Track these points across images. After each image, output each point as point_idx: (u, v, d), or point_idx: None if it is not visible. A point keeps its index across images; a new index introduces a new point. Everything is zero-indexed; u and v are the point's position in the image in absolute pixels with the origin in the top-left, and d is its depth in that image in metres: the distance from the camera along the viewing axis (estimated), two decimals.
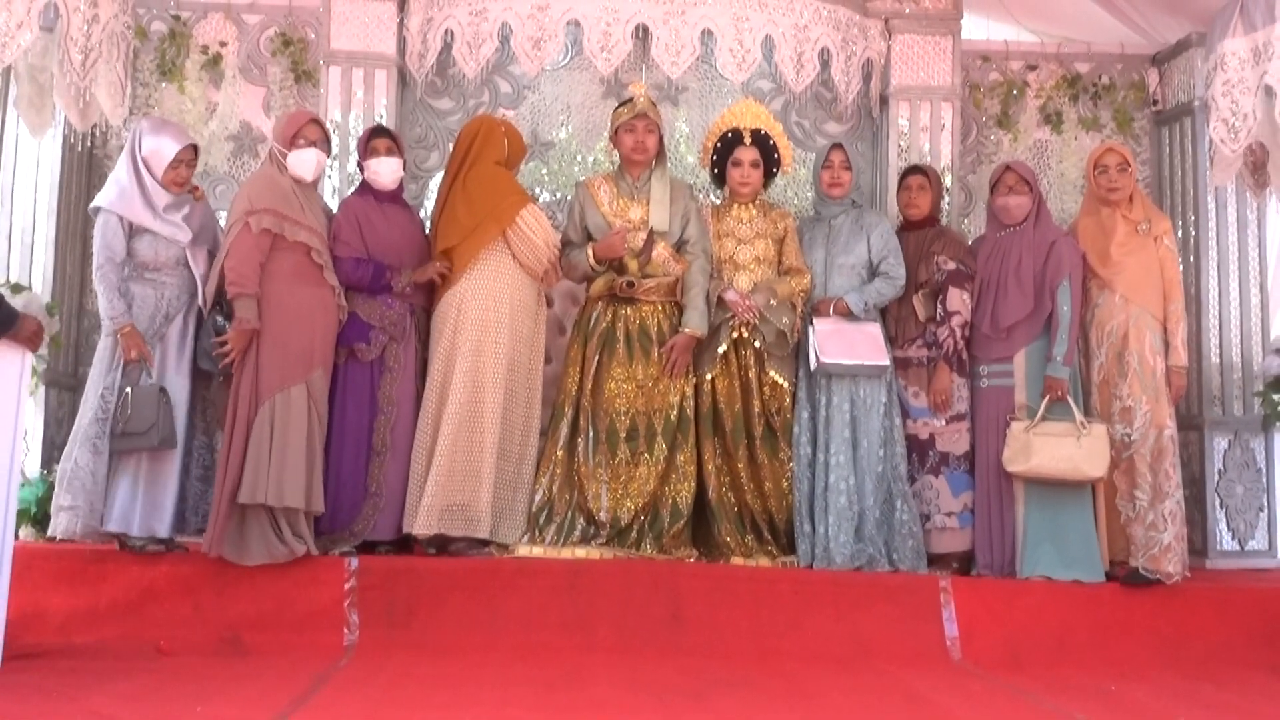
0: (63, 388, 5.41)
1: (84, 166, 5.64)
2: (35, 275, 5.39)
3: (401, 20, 5.58)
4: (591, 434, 4.81)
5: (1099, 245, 4.81)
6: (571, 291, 5.47)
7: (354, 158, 5.14)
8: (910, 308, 4.93)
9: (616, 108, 5.04)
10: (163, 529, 4.35)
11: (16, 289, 5.04)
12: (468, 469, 4.58)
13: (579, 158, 5.93)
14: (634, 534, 4.73)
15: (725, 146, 5.02)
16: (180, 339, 4.45)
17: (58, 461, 4.60)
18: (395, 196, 4.84)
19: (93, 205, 4.51)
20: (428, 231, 4.95)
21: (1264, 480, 5.75)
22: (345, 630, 4.22)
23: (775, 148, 5.04)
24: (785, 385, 4.88)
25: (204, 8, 5.80)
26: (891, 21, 5.76)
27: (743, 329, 4.86)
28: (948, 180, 5.66)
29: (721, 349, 4.87)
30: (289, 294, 4.43)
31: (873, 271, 4.93)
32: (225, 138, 5.77)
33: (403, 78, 5.69)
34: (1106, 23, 6.13)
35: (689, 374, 4.85)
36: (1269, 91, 5.06)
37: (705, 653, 4.17)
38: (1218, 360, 5.78)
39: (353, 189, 5.02)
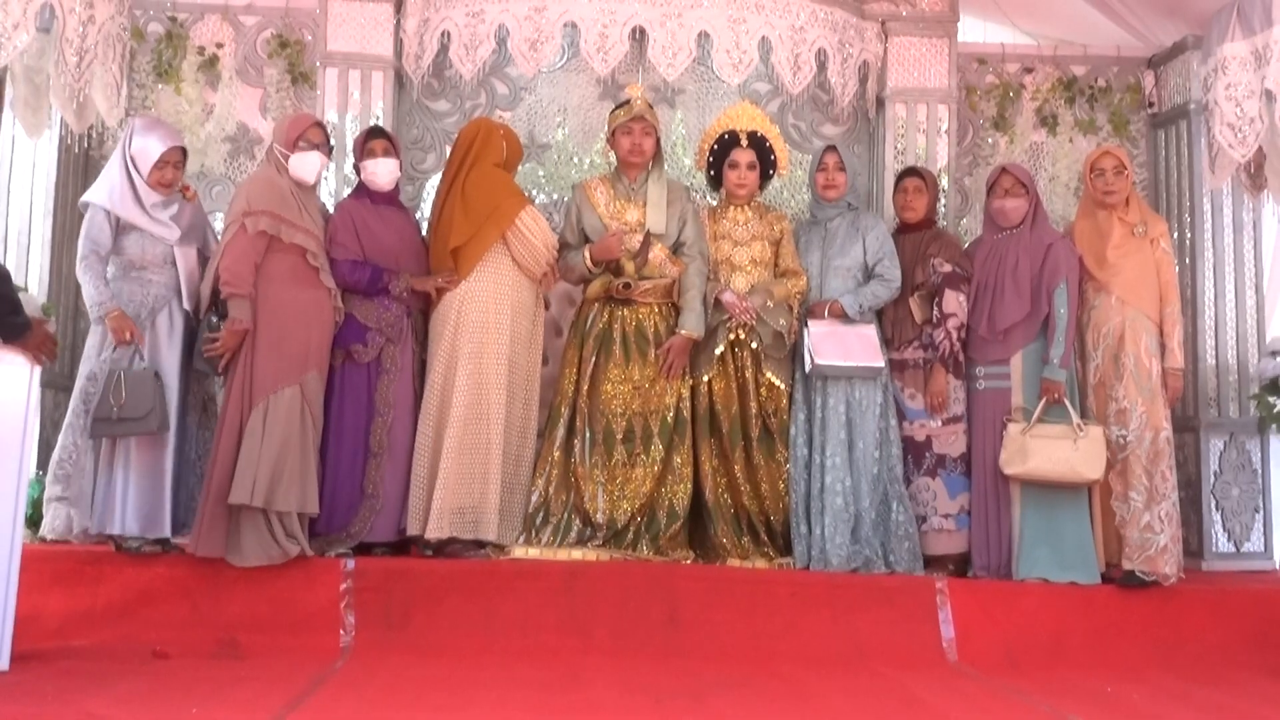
0: (59, 389, 5.39)
1: (80, 168, 5.63)
2: (31, 276, 5.40)
3: (398, 22, 5.58)
4: (588, 435, 4.81)
5: (1095, 248, 4.82)
6: (568, 293, 5.47)
7: (351, 159, 5.13)
8: (907, 310, 4.94)
9: (613, 110, 5.04)
10: (158, 529, 4.34)
11: None
12: (475, 471, 4.58)
13: (575, 159, 5.93)
14: (630, 535, 4.74)
15: (722, 148, 5.02)
16: (169, 331, 4.45)
17: None
18: (391, 198, 4.84)
19: (82, 200, 4.50)
20: (424, 234, 4.95)
21: (1259, 482, 5.75)
22: (342, 632, 4.21)
23: (772, 150, 5.04)
24: (782, 387, 4.88)
25: (201, 9, 5.80)
26: (888, 24, 5.76)
27: (739, 331, 4.86)
28: (944, 182, 5.67)
29: (718, 351, 4.87)
30: (285, 296, 4.43)
31: (868, 274, 4.93)
32: (222, 139, 5.77)
33: (399, 79, 5.69)
34: (1102, 25, 6.14)
35: (685, 375, 4.86)
36: (1269, 96, 5.07)
37: (702, 654, 4.17)
38: (1213, 362, 5.79)
39: (350, 190, 5.02)
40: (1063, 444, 4.58)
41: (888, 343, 4.93)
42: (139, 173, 4.44)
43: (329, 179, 5.41)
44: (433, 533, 4.53)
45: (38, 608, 4.07)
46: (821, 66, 5.52)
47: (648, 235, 4.85)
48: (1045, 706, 3.62)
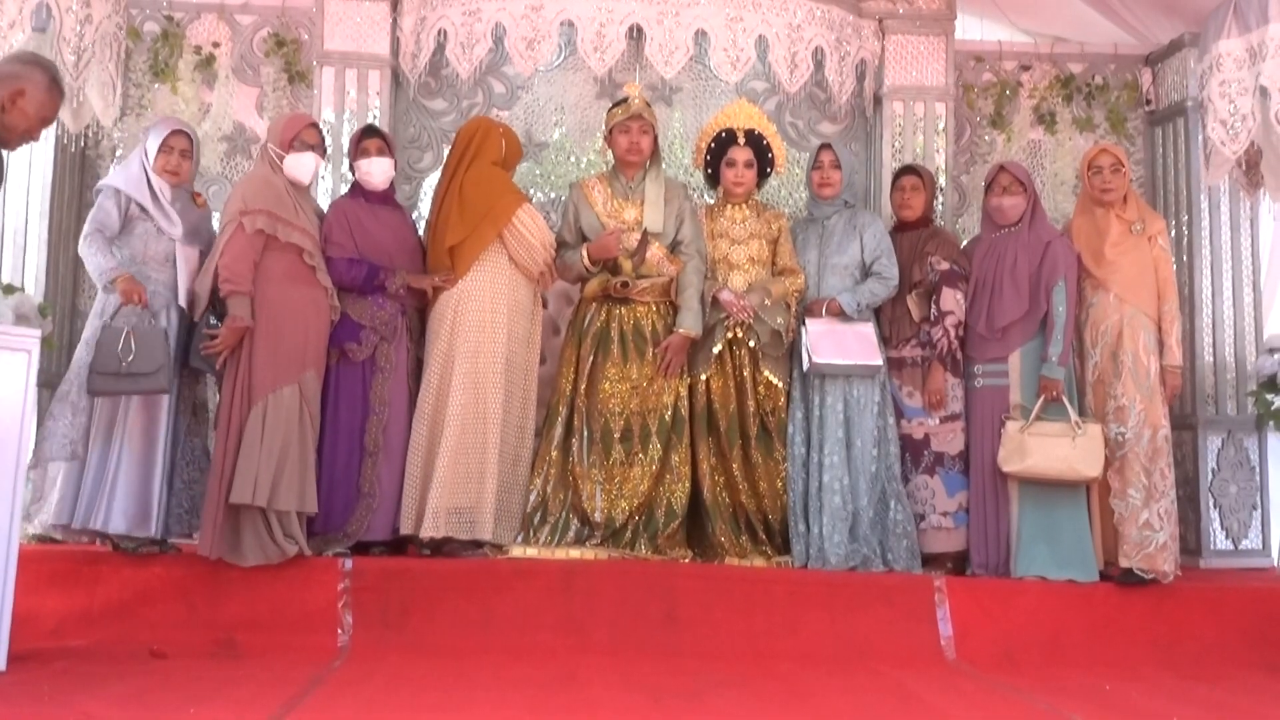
0: (55, 388, 5.37)
1: (76, 167, 5.62)
2: (28, 276, 5.38)
3: (395, 20, 5.58)
4: (586, 434, 4.81)
5: (1093, 245, 4.82)
6: (566, 292, 5.47)
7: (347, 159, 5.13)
8: (904, 308, 4.94)
9: (611, 108, 5.04)
10: (146, 529, 4.32)
11: (9, 290, 5.01)
12: (471, 472, 4.57)
13: (573, 158, 5.93)
14: (629, 534, 4.73)
15: (719, 147, 5.02)
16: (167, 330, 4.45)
17: None
18: (386, 197, 4.84)
19: (96, 187, 4.56)
20: (422, 232, 4.95)
21: (1257, 479, 5.76)
22: (339, 631, 4.21)
23: (769, 148, 5.04)
24: (779, 385, 4.88)
25: (197, 8, 5.79)
26: (885, 22, 5.76)
27: (737, 329, 4.86)
28: (941, 181, 5.67)
29: (716, 349, 4.87)
30: (281, 294, 4.42)
31: (866, 272, 4.93)
32: (219, 138, 5.76)
33: (396, 78, 5.68)
34: (1100, 23, 6.14)
35: (683, 374, 4.85)
36: (1264, 93, 5.07)
37: (700, 653, 4.16)
38: (1211, 359, 5.79)
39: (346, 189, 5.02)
40: (1061, 442, 4.58)
41: (885, 341, 4.92)
42: (148, 160, 4.48)
43: (325, 178, 5.41)
44: (427, 532, 4.53)
45: (35, 608, 4.06)
46: (819, 64, 5.51)
47: (645, 234, 4.85)
48: (1043, 704, 3.62)
